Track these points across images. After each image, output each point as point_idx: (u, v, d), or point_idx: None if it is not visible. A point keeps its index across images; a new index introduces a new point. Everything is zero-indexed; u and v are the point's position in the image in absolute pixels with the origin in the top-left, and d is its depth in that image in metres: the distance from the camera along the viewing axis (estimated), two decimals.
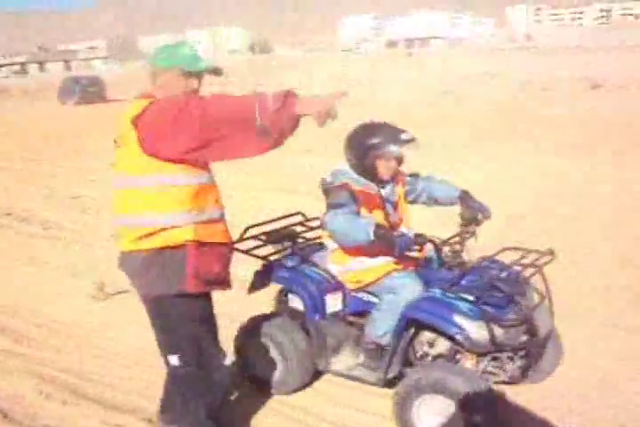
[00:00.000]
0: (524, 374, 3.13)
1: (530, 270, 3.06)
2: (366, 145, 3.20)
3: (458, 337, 2.91)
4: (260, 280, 3.58)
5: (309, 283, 3.37)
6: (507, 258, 3.25)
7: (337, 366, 3.40)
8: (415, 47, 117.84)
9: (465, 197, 3.43)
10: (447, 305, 2.98)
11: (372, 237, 2.96)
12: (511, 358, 3.09)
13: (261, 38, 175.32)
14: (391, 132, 3.21)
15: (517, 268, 3.13)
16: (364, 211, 3.21)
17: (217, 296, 2.93)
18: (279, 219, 3.90)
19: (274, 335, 3.41)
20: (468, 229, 3.35)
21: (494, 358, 3.10)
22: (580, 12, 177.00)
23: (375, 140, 3.19)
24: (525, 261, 3.15)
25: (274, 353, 3.44)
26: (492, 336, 2.90)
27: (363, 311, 3.38)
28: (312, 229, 3.85)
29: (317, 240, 3.72)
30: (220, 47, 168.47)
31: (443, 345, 3.17)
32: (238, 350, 3.58)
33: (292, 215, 3.96)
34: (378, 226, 2.99)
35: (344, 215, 3.07)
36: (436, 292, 3.08)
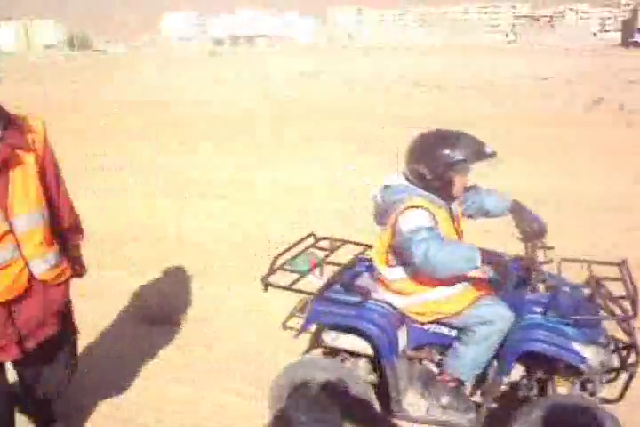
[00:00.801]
0: (621, 395, 2.90)
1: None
2: (450, 159, 2.76)
3: (581, 366, 2.69)
4: (312, 319, 3.01)
5: (380, 319, 2.90)
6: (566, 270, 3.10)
7: (417, 411, 3.02)
8: (241, 44, 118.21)
9: (517, 209, 3.02)
10: (559, 332, 2.72)
11: (479, 265, 2.60)
12: (601, 380, 2.88)
13: (80, 33, 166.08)
14: (474, 145, 2.80)
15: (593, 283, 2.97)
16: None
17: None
18: (297, 243, 3.42)
19: (328, 383, 2.91)
20: (536, 243, 2.96)
21: (585, 381, 2.89)
22: (401, 14, 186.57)
23: (460, 155, 2.77)
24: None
25: (329, 406, 2.98)
26: (603, 359, 2.73)
27: (424, 345, 3.06)
28: (332, 251, 3.43)
29: (344, 263, 3.32)
30: (33, 41, 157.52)
31: (516, 373, 2.94)
32: (279, 406, 3.06)
33: (307, 237, 3.51)
34: (482, 251, 2.62)
35: (438, 242, 2.62)
36: (537, 318, 2.81)
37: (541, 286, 3.03)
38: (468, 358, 2.86)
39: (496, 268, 2.80)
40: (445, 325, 2.95)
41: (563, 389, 2.84)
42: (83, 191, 6.87)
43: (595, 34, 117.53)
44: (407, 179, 2.93)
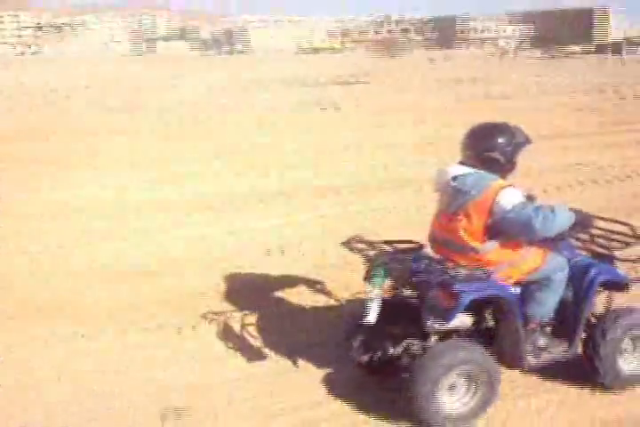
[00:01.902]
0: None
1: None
2: (518, 142, 3.41)
3: (626, 281, 3.73)
4: (464, 299, 3.27)
5: (506, 287, 3.47)
6: None
7: (541, 360, 3.59)
8: None
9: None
10: (606, 265, 3.69)
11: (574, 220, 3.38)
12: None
13: None
14: (520, 131, 3.48)
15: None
16: None
17: None
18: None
19: (473, 361, 3.32)
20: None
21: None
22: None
23: (521, 139, 3.42)
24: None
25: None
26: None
27: None
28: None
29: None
30: None
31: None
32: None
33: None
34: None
35: (546, 209, 3.25)
36: (584, 259, 3.71)
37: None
38: (552, 302, 3.51)
39: None
40: (515, 284, 3.50)
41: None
42: None
43: (106, 44, 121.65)
44: (480, 165, 3.38)
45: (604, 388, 3.63)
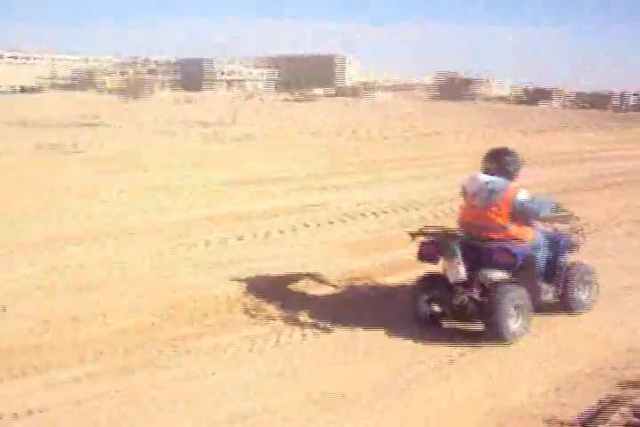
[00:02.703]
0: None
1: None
2: (521, 162, 5.42)
3: (580, 244, 5.86)
4: (521, 255, 5.09)
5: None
6: None
7: (546, 297, 5.45)
8: None
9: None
10: (565, 236, 5.72)
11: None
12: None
13: None
14: (519, 154, 5.54)
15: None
16: None
17: None
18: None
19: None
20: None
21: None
22: None
23: (521, 159, 5.45)
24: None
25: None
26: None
27: None
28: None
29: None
30: None
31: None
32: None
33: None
34: None
35: (544, 201, 5.44)
36: (555, 235, 5.68)
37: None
38: (543, 260, 5.41)
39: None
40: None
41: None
42: None
43: None
44: (499, 174, 5.24)
45: (571, 312, 5.54)
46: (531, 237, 5.28)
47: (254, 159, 16.41)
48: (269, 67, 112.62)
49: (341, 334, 5.09)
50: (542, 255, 5.37)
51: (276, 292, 6.01)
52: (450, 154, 18.63)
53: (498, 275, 5.07)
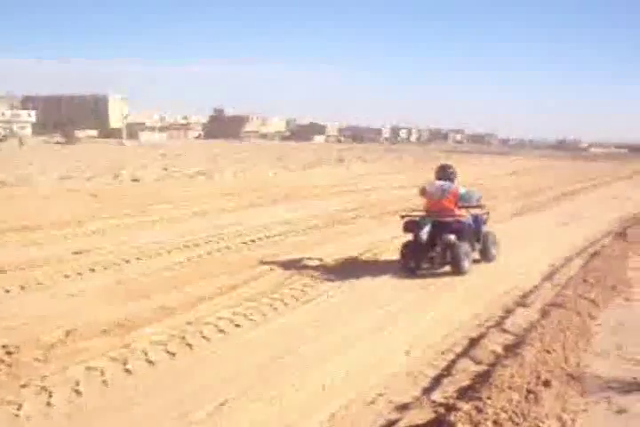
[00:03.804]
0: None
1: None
2: (456, 171, 9.03)
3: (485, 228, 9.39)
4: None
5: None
6: None
7: (476, 250, 9.01)
8: None
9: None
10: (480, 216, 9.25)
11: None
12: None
13: None
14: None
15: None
16: None
17: None
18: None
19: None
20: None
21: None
22: None
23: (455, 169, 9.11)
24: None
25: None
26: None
27: None
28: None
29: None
30: None
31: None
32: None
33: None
34: None
35: (475, 192, 9.08)
36: (478, 218, 9.09)
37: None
38: (472, 229, 8.77)
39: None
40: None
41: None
42: None
43: None
44: (446, 180, 8.77)
45: (488, 260, 9.13)
46: (467, 216, 8.77)
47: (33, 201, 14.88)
48: (25, 108, 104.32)
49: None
50: (472, 227, 8.71)
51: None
52: (205, 194, 18.65)
53: (453, 237, 8.39)
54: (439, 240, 8.39)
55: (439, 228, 8.41)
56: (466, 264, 8.32)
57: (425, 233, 8.34)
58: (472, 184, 15.50)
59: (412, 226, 8.56)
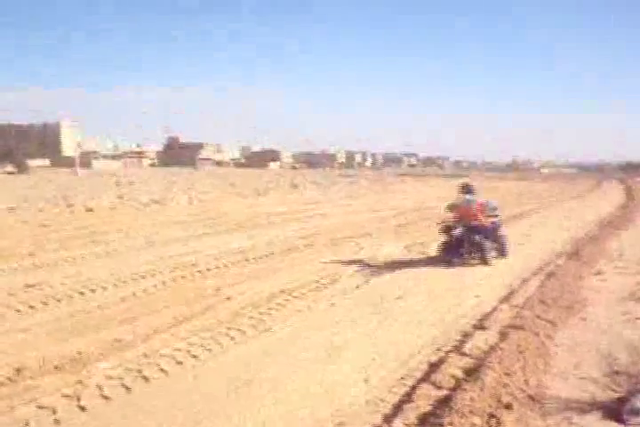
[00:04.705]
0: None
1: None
2: (474, 187, 12.05)
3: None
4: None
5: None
6: None
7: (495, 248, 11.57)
8: None
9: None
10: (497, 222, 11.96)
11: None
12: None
13: None
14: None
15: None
16: None
17: None
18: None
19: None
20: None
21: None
22: None
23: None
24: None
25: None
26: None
27: None
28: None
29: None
30: None
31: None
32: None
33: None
34: None
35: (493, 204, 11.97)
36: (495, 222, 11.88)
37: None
38: (493, 231, 11.56)
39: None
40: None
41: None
42: None
43: None
44: (469, 194, 11.54)
45: (503, 256, 11.69)
46: (489, 222, 11.22)
47: None
48: None
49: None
50: (493, 229, 11.29)
51: None
52: (159, 223, 18.41)
53: (479, 237, 10.92)
54: (467, 239, 10.90)
55: (467, 230, 10.93)
56: (490, 257, 10.97)
57: (457, 233, 10.90)
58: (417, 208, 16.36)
59: (447, 229, 11.15)
